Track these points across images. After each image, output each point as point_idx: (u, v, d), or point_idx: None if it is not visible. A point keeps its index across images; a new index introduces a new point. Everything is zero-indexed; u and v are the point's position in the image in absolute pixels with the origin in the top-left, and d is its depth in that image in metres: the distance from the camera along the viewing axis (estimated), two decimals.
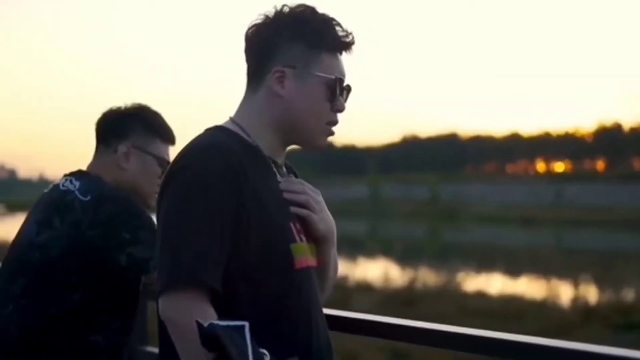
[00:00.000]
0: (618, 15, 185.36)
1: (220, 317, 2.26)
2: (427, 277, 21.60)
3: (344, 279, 20.22)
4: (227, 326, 2.15)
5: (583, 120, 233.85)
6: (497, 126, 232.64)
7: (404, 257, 28.76)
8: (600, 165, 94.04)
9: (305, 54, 2.57)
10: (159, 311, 2.38)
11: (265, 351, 2.19)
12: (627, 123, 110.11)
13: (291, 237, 2.51)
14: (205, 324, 2.14)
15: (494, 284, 21.53)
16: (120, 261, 3.07)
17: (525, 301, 17.20)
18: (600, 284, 21.21)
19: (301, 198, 2.62)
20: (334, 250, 2.74)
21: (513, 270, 25.35)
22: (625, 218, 49.66)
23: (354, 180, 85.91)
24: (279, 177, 2.60)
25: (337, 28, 2.61)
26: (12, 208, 61.53)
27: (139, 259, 3.05)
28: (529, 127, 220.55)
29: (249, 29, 2.63)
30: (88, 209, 3.08)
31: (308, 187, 2.67)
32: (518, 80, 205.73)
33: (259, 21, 2.63)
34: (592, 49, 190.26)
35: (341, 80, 2.62)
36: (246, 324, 2.15)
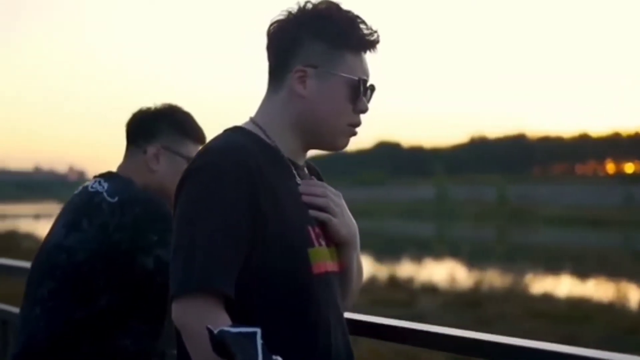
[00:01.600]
0: None
1: (234, 323, 2.20)
2: (494, 279, 21.42)
3: (410, 280, 20.16)
4: (238, 333, 2.09)
5: None
6: (566, 126, 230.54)
7: (471, 259, 28.60)
8: None
9: (329, 53, 2.49)
10: (172, 316, 2.31)
11: (279, 358, 2.12)
12: None
13: (309, 242, 2.42)
14: (216, 331, 2.09)
15: (562, 286, 21.30)
16: (148, 264, 3.00)
17: (593, 304, 16.98)
18: None
19: (320, 201, 2.53)
20: (356, 254, 2.64)
21: (581, 272, 25.09)
22: None
23: (421, 181, 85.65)
24: (298, 179, 2.52)
25: (362, 26, 2.51)
26: None
27: (167, 262, 3.00)
28: (599, 127, 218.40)
29: (271, 25, 2.54)
30: (115, 211, 3.03)
31: (329, 190, 2.58)
32: (587, 78, 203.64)
33: (281, 17, 2.53)
34: None
35: (365, 81, 2.53)
36: (258, 330, 2.09)
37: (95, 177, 3.22)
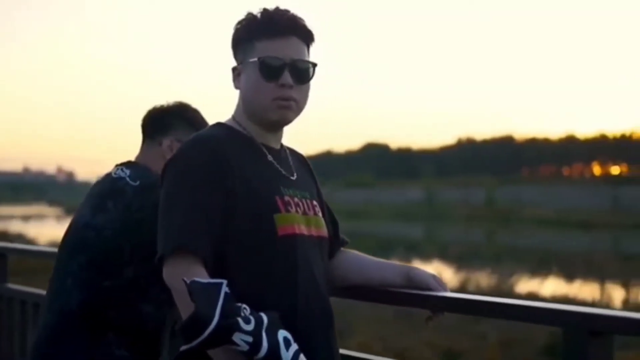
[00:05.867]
0: None
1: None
2: (481, 280, 21.62)
3: None
4: (207, 283, 2.48)
5: None
6: (553, 128, 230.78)
7: (459, 261, 28.77)
8: None
9: (244, 49, 2.97)
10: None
11: (244, 305, 2.50)
12: None
13: (276, 208, 2.85)
14: (188, 282, 2.45)
15: (547, 287, 21.52)
16: None
17: (576, 304, 17.15)
18: None
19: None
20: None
21: (568, 274, 25.29)
22: None
23: (409, 183, 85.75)
24: (270, 158, 2.97)
25: (263, 19, 2.96)
26: (70, 211, 62.00)
27: None
28: (585, 129, 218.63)
29: None
30: (137, 193, 3.43)
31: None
32: (574, 80, 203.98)
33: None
34: None
35: (269, 58, 2.92)
36: (224, 281, 2.49)
37: (116, 165, 3.61)
